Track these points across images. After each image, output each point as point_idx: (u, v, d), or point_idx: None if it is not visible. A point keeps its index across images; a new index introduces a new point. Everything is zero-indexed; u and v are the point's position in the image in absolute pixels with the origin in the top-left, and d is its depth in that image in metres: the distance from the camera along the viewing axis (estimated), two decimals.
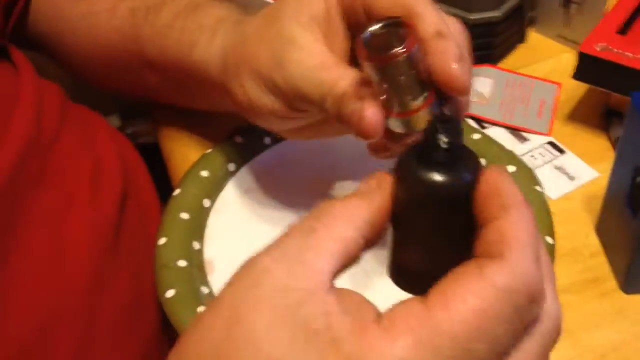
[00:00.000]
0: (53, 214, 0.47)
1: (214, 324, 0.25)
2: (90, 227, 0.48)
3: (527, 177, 0.49)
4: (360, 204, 0.27)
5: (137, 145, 0.60)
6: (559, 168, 0.54)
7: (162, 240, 0.48)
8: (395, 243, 0.28)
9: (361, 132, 0.35)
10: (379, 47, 0.32)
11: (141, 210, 0.55)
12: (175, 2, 0.52)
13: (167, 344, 0.52)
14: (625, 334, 0.44)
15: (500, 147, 0.52)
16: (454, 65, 0.33)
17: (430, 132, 0.26)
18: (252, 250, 0.26)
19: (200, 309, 0.44)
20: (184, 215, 0.49)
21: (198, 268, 0.47)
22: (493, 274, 0.24)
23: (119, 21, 0.53)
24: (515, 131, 0.57)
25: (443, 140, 0.25)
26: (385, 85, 0.33)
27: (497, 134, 0.56)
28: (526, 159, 0.54)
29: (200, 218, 0.50)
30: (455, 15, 0.45)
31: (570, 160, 0.54)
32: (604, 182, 0.48)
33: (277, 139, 0.55)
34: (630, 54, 0.52)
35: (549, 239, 0.45)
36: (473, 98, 0.59)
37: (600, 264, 0.47)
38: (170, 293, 0.45)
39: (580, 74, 0.54)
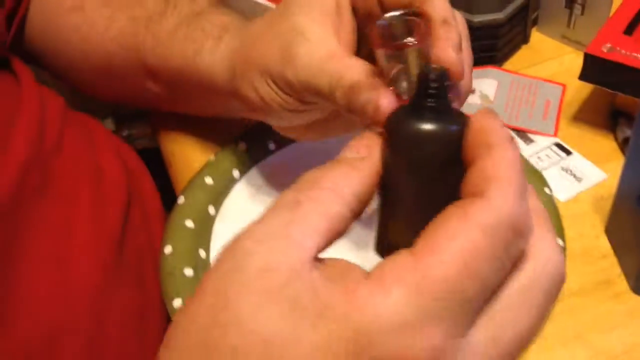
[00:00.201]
0: (57, 223, 0.47)
1: (199, 312, 0.24)
2: (95, 236, 0.48)
3: (535, 180, 0.49)
4: (348, 173, 0.26)
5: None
6: (566, 169, 0.54)
7: (167, 249, 0.47)
8: (383, 217, 0.28)
9: (376, 122, 0.34)
10: (393, 35, 0.32)
11: (145, 217, 0.54)
12: (176, 11, 0.51)
13: None
14: (638, 335, 0.43)
15: None
16: (452, 53, 0.34)
17: (421, 85, 0.26)
18: None
19: None
20: (189, 223, 0.49)
21: None
22: (476, 214, 0.24)
23: (117, 31, 0.53)
24: (521, 133, 0.57)
25: (433, 92, 0.26)
26: (395, 73, 0.33)
27: None
28: (533, 161, 0.54)
29: (205, 226, 0.50)
30: None
31: (577, 161, 0.54)
32: (611, 183, 0.48)
33: (280, 145, 0.54)
34: (637, 55, 0.51)
35: (559, 242, 0.45)
36: (477, 100, 0.59)
37: (611, 266, 0.47)
38: (177, 302, 0.44)
39: (586, 75, 0.53)
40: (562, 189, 0.52)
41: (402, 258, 0.24)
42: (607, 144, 0.55)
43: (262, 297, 0.23)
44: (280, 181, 0.53)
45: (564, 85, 0.60)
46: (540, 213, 0.27)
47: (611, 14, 0.58)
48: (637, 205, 0.44)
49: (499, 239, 0.24)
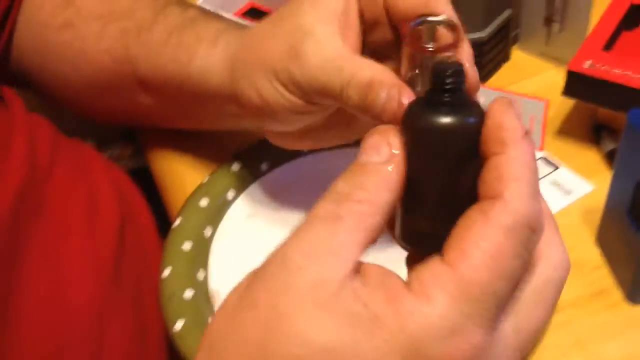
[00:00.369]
0: (52, 246, 0.46)
1: (253, 325, 0.26)
2: (90, 257, 0.48)
3: None
4: (380, 184, 0.27)
5: None
6: (553, 183, 0.55)
7: (166, 272, 0.47)
8: (406, 207, 0.29)
9: (395, 119, 0.34)
10: (423, 39, 0.34)
11: (140, 237, 0.54)
12: (168, 19, 0.51)
13: None
14: (635, 344, 0.44)
15: None
16: (467, 65, 0.36)
17: (437, 78, 0.27)
18: None
19: None
20: (186, 246, 0.49)
21: (204, 298, 0.46)
22: (497, 216, 0.26)
23: (108, 43, 0.52)
24: None
25: (449, 86, 0.27)
26: (412, 76, 0.35)
27: None
28: None
29: (202, 247, 0.50)
30: None
31: (564, 175, 0.55)
32: (599, 195, 0.49)
33: (273, 165, 0.55)
34: (618, 70, 0.53)
35: None
36: None
37: (604, 277, 0.48)
38: (178, 326, 0.44)
39: (569, 91, 0.55)
40: (551, 202, 0.53)
41: (437, 267, 0.26)
42: (592, 157, 0.56)
43: (317, 309, 0.25)
44: (274, 200, 0.53)
45: (547, 101, 0.61)
46: (546, 212, 0.29)
47: (588, 31, 0.60)
48: (627, 216, 0.45)
49: (518, 238, 0.26)
